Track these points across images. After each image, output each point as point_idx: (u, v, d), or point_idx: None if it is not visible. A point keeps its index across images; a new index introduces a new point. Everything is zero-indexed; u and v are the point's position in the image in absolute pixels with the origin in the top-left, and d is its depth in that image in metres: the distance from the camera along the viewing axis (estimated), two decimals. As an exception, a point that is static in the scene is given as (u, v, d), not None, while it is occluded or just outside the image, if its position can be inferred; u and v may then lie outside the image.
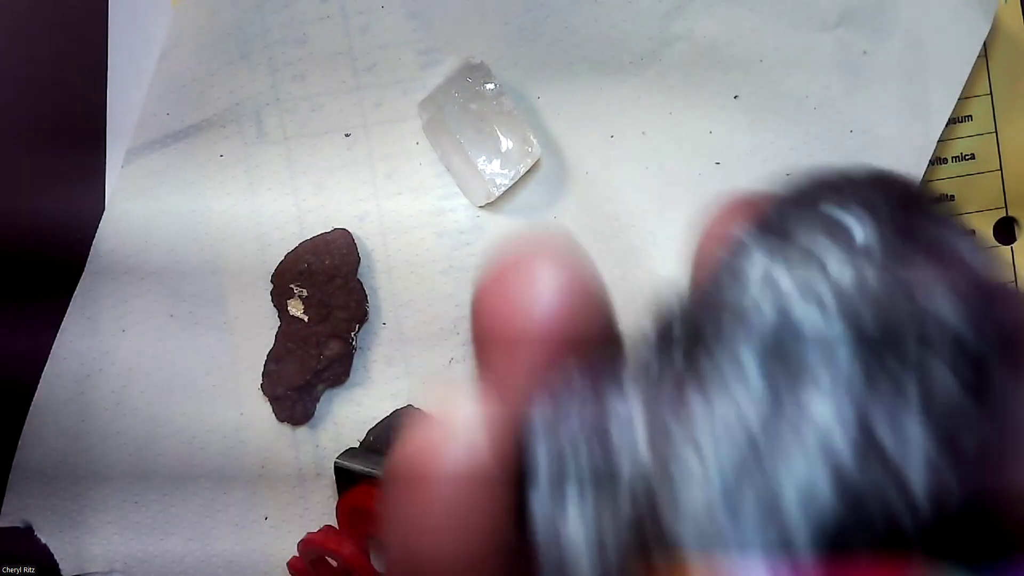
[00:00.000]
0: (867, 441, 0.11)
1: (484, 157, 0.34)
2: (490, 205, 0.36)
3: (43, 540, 0.36)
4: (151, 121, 0.36)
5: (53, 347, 0.36)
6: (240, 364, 0.36)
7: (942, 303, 0.11)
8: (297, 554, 0.35)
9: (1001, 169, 0.37)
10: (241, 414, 0.36)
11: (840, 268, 0.12)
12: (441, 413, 0.15)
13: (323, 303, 0.35)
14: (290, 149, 0.36)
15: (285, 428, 0.36)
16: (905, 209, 0.13)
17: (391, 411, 0.36)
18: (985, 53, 0.37)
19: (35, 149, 0.36)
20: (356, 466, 0.35)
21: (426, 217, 0.36)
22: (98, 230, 0.36)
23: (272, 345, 0.36)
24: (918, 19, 0.35)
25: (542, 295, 0.15)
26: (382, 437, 0.36)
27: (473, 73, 0.34)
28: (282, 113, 0.36)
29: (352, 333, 0.36)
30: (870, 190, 0.13)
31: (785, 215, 0.13)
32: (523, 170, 0.35)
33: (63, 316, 0.36)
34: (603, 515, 0.12)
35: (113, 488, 0.36)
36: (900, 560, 0.11)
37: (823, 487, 0.11)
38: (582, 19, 0.36)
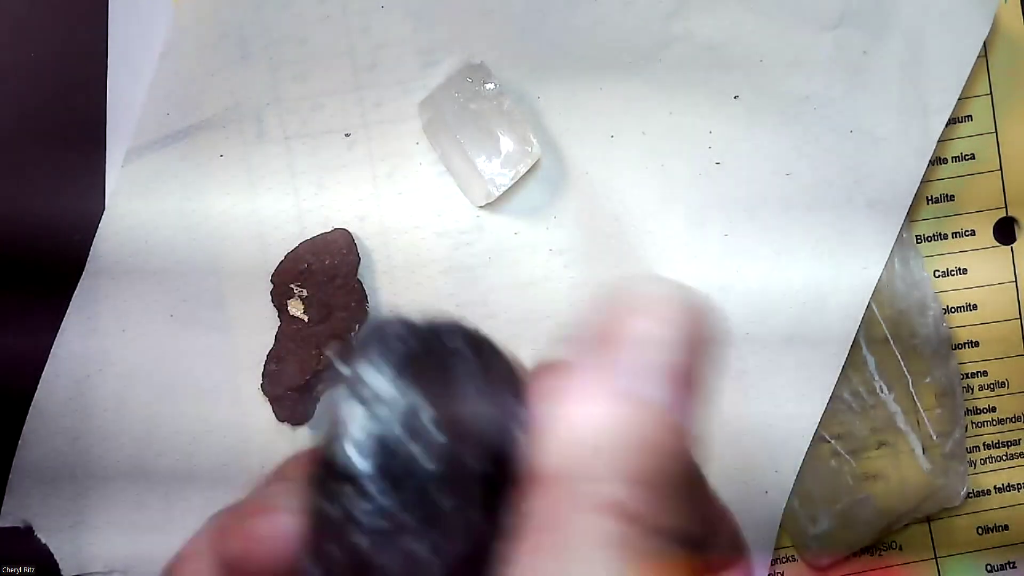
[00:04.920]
0: None
1: (484, 157, 0.34)
2: (490, 205, 0.36)
3: (43, 540, 0.36)
4: (151, 121, 0.36)
5: (53, 347, 0.36)
6: (240, 364, 0.36)
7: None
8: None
9: (1001, 169, 0.38)
10: (241, 414, 0.36)
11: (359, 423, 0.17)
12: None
13: (323, 303, 0.35)
14: (290, 149, 0.36)
15: (285, 428, 0.36)
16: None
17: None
18: (985, 53, 0.37)
19: (35, 149, 0.36)
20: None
21: (426, 217, 0.36)
22: (98, 230, 0.36)
23: (272, 345, 0.36)
24: (918, 19, 0.35)
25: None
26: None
27: (473, 73, 0.34)
28: (282, 113, 0.36)
29: (352, 333, 0.36)
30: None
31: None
32: (523, 170, 0.35)
33: (63, 316, 0.36)
34: None
35: (113, 488, 0.36)
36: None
37: None
38: (582, 19, 0.36)
